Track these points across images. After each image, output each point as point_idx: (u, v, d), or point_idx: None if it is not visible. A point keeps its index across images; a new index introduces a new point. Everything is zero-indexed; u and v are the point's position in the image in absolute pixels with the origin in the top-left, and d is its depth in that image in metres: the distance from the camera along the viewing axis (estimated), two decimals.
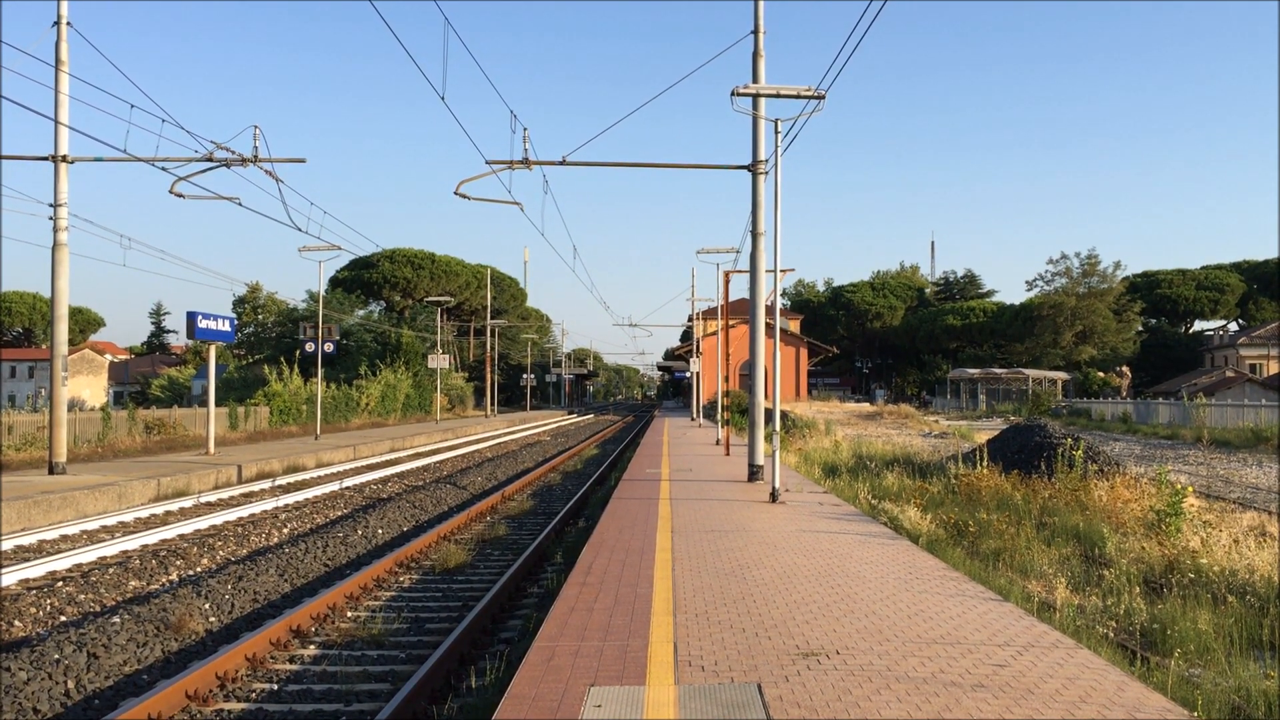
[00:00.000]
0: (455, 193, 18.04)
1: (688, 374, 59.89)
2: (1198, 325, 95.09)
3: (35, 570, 11.09)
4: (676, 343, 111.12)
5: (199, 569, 11.66)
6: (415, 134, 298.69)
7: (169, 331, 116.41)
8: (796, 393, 73.11)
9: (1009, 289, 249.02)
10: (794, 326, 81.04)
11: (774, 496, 14.41)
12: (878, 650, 6.32)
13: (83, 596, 9.87)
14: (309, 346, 37.48)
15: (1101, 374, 77.61)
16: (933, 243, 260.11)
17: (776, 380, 15.33)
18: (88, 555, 12.10)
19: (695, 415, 49.56)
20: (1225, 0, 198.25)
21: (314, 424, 36.30)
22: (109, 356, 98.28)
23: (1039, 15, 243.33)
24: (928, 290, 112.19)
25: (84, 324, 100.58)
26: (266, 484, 20.53)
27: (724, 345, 32.58)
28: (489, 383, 68.51)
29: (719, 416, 30.09)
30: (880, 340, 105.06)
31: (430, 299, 70.62)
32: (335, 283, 76.35)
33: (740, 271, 31.56)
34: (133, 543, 13.07)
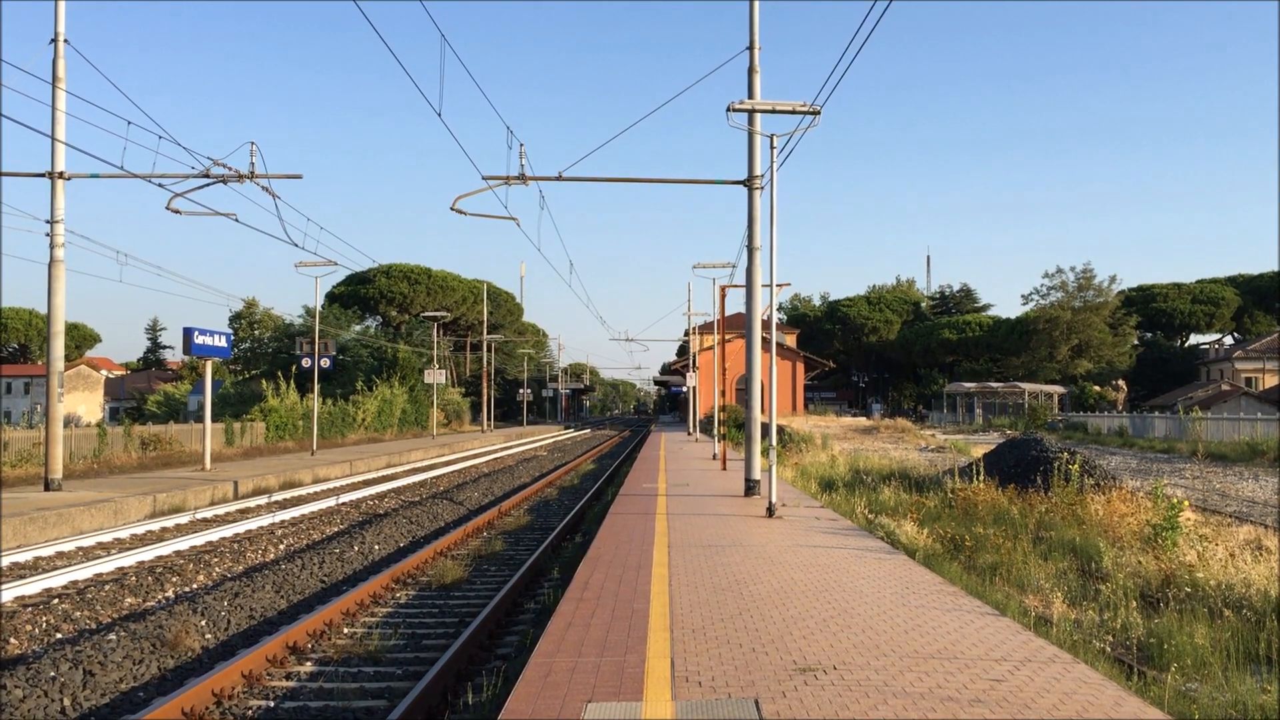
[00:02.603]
0: (452, 208, 18.07)
1: (684, 388, 59.91)
2: (1193, 339, 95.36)
3: (31, 587, 11.06)
4: (673, 357, 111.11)
5: (195, 585, 11.64)
6: (412, 150, 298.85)
7: (165, 347, 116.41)
8: (793, 407, 73.12)
9: (1005, 303, 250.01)
10: (790, 341, 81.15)
11: (771, 511, 14.41)
12: (875, 665, 6.33)
13: (79, 614, 9.85)
14: (305, 362, 37.47)
15: (1097, 388, 77.79)
16: (928, 257, 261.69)
17: (773, 395, 15.35)
18: (84, 572, 12.07)
19: (692, 430, 49.52)
20: (1223, 2, 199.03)
21: (310, 439, 36.25)
22: (105, 372, 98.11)
23: (1035, 26, 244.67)
24: (924, 304, 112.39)
25: (80, 340, 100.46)
26: (263, 500, 20.49)
27: (720, 360, 32.65)
28: (485, 398, 68.47)
29: (715, 431, 30.10)
30: (876, 354, 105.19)
31: (427, 314, 70.66)
32: (331, 298, 76.44)
33: (736, 286, 31.63)
34: (129, 559, 13.04)
